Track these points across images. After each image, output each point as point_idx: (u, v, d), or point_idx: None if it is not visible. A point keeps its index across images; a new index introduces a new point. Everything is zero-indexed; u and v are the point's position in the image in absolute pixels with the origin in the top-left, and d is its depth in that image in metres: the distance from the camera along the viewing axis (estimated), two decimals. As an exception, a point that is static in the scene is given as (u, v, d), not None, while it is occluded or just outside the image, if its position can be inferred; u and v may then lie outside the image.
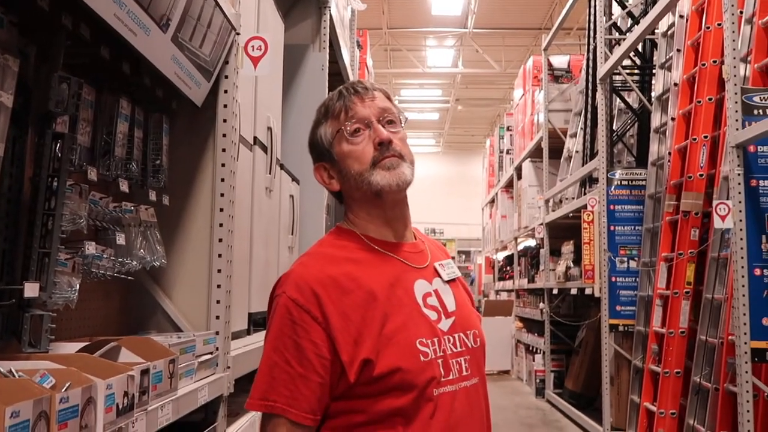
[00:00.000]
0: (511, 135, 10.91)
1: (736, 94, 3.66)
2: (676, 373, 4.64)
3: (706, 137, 4.61)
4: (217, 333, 2.01)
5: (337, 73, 4.73)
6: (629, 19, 5.99)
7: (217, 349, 1.97)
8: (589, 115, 6.39)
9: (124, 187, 1.76)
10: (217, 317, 2.05)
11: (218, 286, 2.07)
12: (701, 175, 4.61)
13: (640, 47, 5.93)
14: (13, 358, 1.32)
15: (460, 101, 18.34)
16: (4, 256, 1.40)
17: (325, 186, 1.34)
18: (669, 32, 5.41)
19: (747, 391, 3.48)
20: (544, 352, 8.13)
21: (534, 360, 8.48)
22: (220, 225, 2.09)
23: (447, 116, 19.74)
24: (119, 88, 1.78)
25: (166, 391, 1.51)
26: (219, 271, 2.07)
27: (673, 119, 5.06)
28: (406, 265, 1.28)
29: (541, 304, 8.28)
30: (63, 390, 1.07)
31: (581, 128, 6.76)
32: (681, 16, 5.15)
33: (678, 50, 5.14)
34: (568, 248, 7.18)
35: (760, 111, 3.67)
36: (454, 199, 20.89)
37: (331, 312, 1.17)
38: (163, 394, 1.48)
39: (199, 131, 2.15)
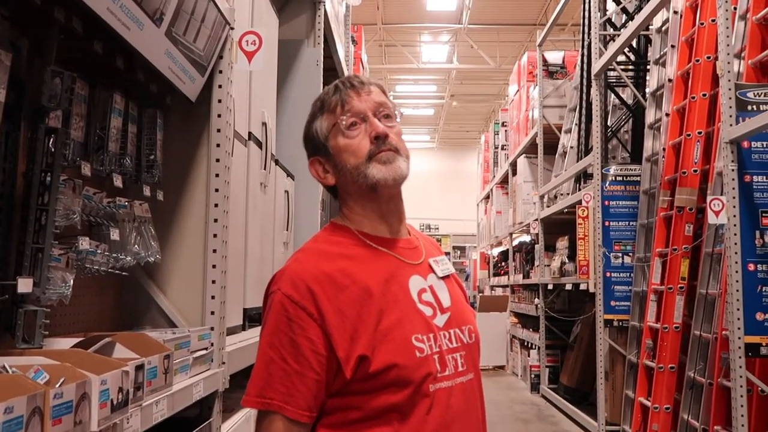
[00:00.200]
0: (505, 131, 10.92)
1: (730, 90, 3.67)
2: (671, 368, 4.66)
3: (700, 133, 4.62)
4: (212, 328, 2.00)
5: (331, 69, 4.72)
6: (623, 15, 6.00)
7: (212, 344, 1.96)
8: (583, 111, 6.39)
9: (118, 182, 1.75)
10: (212, 313, 2.05)
11: (213, 282, 2.06)
12: (695, 171, 4.62)
13: (634, 43, 5.94)
14: (6, 353, 1.31)
15: (454, 97, 18.34)
16: (-3, 251, 1.40)
17: (320, 180, 1.34)
18: (663, 28, 5.42)
19: (741, 386, 3.50)
20: (539, 348, 8.15)
21: (529, 355, 8.51)
22: (215, 220, 2.09)
23: (442, 112, 19.73)
24: (113, 82, 1.77)
25: (161, 386, 1.50)
26: (214, 266, 2.07)
27: (667, 115, 5.08)
28: (401, 261, 1.28)
29: (536, 300, 8.29)
30: (57, 386, 1.06)
31: (576, 124, 6.77)
32: (675, 12, 5.16)
33: (672, 46, 5.15)
34: (562, 244, 7.20)
35: (754, 107, 3.68)
36: (449, 195, 20.90)
37: (327, 308, 1.17)
38: (157, 390, 1.48)
39: (194, 126, 2.14)
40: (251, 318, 2.66)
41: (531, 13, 13.27)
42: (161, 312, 2.08)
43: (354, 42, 5.95)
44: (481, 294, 13.39)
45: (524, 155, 9.07)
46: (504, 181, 10.74)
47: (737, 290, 3.56)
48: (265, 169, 2.80)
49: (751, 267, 3.64)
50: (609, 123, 6.10)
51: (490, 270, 13.03)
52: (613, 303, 5.54)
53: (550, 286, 7.77)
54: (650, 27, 5.62)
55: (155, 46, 1.71)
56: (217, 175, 2.11)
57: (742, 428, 3.48)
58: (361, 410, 1.17)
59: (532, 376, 8.25)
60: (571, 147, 6.92)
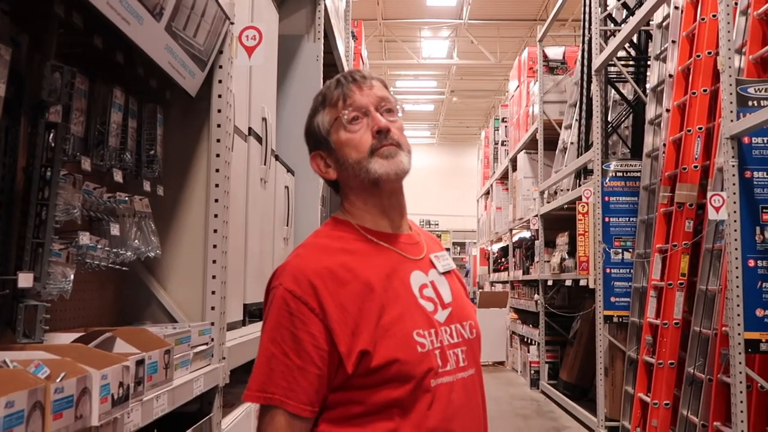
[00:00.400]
0: (506, 126, 10.91)
1: (730, 85, 3.67)
2: (670, 364, 4.66)
3: (700, 129, 4.62)
4: (212, 324, 2.00)
5: (331, 64, 4.71)
6: (624, 10, 5.99)
7: (212, 339, 1.96)
8: (584, 107, 6.39)
9: (118, 177, 1.75)
10: (212, 308, 2.05)
11: (213, 277, 2.06)
12: (696, 167, 4.62)
13: (635, 38, 5.92)
14: (7, 348, 1.31)
15: (455, 92, 18.33)
16: (-2, 246, 1.39)
17: (321, 175, 1.33)
18: (664, 23, 5.41)
19: (740, 382, 3.50)
20: (538, 344, 8.16)
21: (528, 351, 8.52)
22: (215, 215, 2.08)
23: (442, 107, 19.72)
24: (113, 77, 1.77)
25: (162, 381, 1.50)
26: (214, 261, 2.06)
27: (667, 111, 5.07)
28: (402, 257, 1.28)
29: (536, 296, 8.30)
30: (58, 380, 1.06)
31: (576, 120, 6.76)
32: (676, 8, 5.15)
33: (673, 41, 5.14)
34: (562, 240, 7.20)
35: (755, 102, 3.67)
36: (449, 191, 20.90)
37: (329, 303, 1.17)
38: (158, 385, 1.48)
39: (194, 121, 2.14)
40: (251, 313, 2.66)
41: (531, 9, 13.25)
42: (161, 307, 2.08)
43: (354, 37, 5.95)
44: (480, 290, 13.40)
45: (524, 151, 9.06)
46: (504, 177, 10.74)
47: (737, 286, 3.56)
48: (265, 164, 2.80)
49: (752, 263, 3.64)
50: (609, 119, 6.09)
51: (490, 266, 13.04)
52: (613, 299, 5.55)
53: (549, 282, 7.78)
54: (651, 22, 5.61)
55: (155, 40, 1.71)
56: (217, 171, 2.10)
57: (741, 424, 3.48)
58: (363, 405, 1.17)
59: (532, 372, 8.27)
60: (572, 143, 6.91)
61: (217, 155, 2.11)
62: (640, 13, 4.87)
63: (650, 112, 5.45)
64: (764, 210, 3.69)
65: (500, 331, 10.33)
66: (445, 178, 21.41)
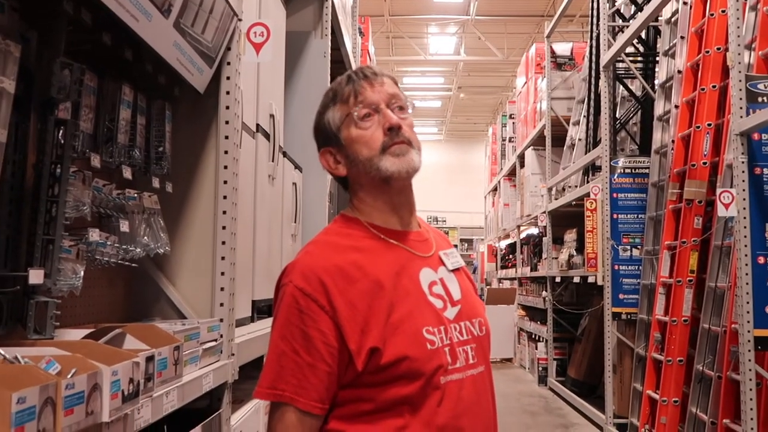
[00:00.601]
0: (513, 123, 10.88)
1: (740, 81, 3.64)
2: (679, 361, 4.65)
3: (709, 125, 4.59)
4: (221, 320, 2.01)
5: (338, 61, 4.71)
6: (632, 5, 5.95)
7: (221, 336, 1.97)
8: (592, 103, 6.36)
9: (127, 174, 1.75)
10: (221, 304, 2.05)
11: (222, 273, 2.06)
12: (705, 163, 4.59)
13: (643, 34, 5.89)
14: (18, 344, 1.32)
15: (462, 89, 18.29)
16: (8, 242, 1.40)
17: (330, 171, 1.33)
18: (673, 19, 5.38)
19: (750, 379, 3.48)
20: (546, 340, 8.15)
21: (537, 348, 8.50)
22: (224, 212, 2.09)
23: (449, 104, 19.69)
24: (121, 74, 1.77)
25: (171, 377, 1.51)
26: (223, 258, 2.07)
27: (676, 107, 5.04)
28: (412, 254, 1.28)
29: (544, 293, 8.28)
30: (69, 376, 1.07)
31: (584, 116, 6.74)
32: (685, 3, 5.11)
33: (682, 37, 5.11)
34: (570, 236, 7.18)
35: (765, 98, 3.65)
36: (456, 188, 20.87)
37: (338, 301, 1.17)
38: (168, 381, 1.48)
39: (202, 118, 2.14)
40: (260, 310, 2.67)
41: (539, 5, 13.20)
42: (171, 303, 2.08)
43: (361, 33, 5.94)
44: (488, 287, 13.39)
45: (532, 147, 9.03)
46: (512, 174, 10.72)
47: (747, 283, 3.54)
48: (273, 161, 2.80)
49: (761, 260, 3.62)
50: (617, 115, 6.06)
51: (498, 263, 13.02)
52: (621, 296, 5.53)
53: (557, 279, 7.76)
54: (659, 18, 5.57)
55: (163, 37, 1.71)
56: (225, 167, 2.11)
57: (750, 421, 3.47)
58: (373, 402, 1.17)
59: (540, 368, 8.25)
60: (580, 139, 6.88)
61: (226, 152, 2.11)
62: (648, 9, 4.84)
63: (659, 108, 5.42)
64: (774, 206, 3.67)
65: (508, 328, 10.32)
66: (452, 174, 21.38)
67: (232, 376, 2.01)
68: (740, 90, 3.63)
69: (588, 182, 6.32)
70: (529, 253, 9.58)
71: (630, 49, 5.92)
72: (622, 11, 6.12)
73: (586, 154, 6.38)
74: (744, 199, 3.60)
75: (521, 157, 9.70)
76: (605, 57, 5.71)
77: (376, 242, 1.26)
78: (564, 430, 6.15)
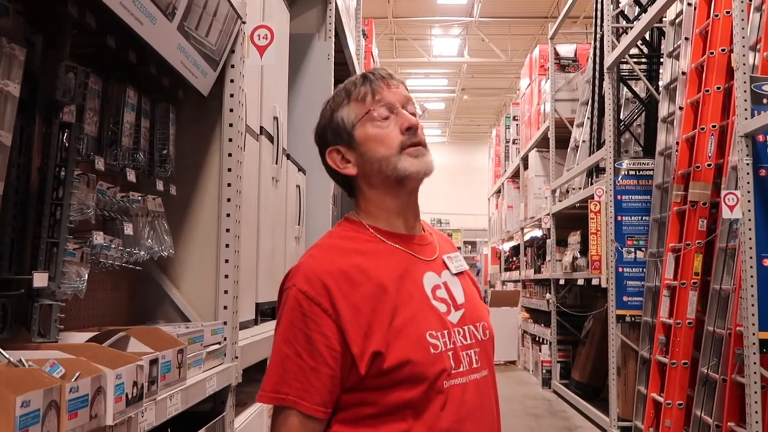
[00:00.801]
0: (517, 125, 10.87)
1: (745, 83, 3.63)
2: (684, 364, 4.63)
3: (714, 127, 4.58)
4: (224, 323, 2.01)
5: (342, 63, 4.71)
6: (636, 7, 5.95)
7: (225, 339, 1.97)
8: (596, 105, 6.35)
9: (131, 176, 1.75)
10: (225, 307, 2.05)
11: (226, 276, 2.06)
12: (709, 165, 4.58)
13: (647, 36, 5.88)
14: (22, 347, 1.32)
15: (465, 91, 18.28)
16: (13, 245, 1.40)
17: (337, 171, 1.30)
18: (677, 20, 5.37)
19: (755, 382, 3.47)
20: (550, 343, 8.13)
21: (540, 350, 8.49)
22: (227, 215, 2.09)
23: (453, 106, 19.68)
24: (126, 77, 1.77)
25: (175, 380, 1.51)
26: (226, 261, 2.07)
27: (681, 108, 5.03)
28: (415, 258, 1.27)
29: (548, 295, 8.27)
30: (73, 380, 1.07)
31: (588, 118, 6.73)
32: (689, 4, 5.10)
33: (686, 39, 5.10)
34: (574, 239, 7.16)
35: (770, 100, 3.64)
36: (460, 190, 20.85)
37: (342, 304, 1.17)
38: (171, 384, 1.48)
39: (206, 121, 2.15)
40: (263, 312, 2.67)
41: (542, 6, 13.20)
42: (174, 306, 2.08)
43: (365, 36, 5.94)
44: (492, 289, 13.37)
45: (536, 149, 9.03)
46: (515, 176, 10.71)
47: (752, 285, 3.53)
48: (276, 163, 2.80)
49: (766, 262, 3.61)
50: (621, 116, 6.05)
51: (502, 265, 13.01)
52: (625, 298, 5.52)
53: (561, 281, 7.74)
54: (663, 19, 5.57)
55: (168, 40, 1.71)
56: (229, 170, 2.11)
57: (756, 425, 3.46)
58: (376, 406, 1.17)
59: (544, 371, 8.23)
60: (583, 141, 6.88)
61: (229, 154, 2.11)
62: (652, 10, 4.83)
63: (663, 109, 5.41)
64: (779, 208, 3.66)
65: (512, 330, 10.31)
66: (456, 176, 21.35)
67: (235, 379, 2.01)
68: (745, 91, 3.63)
69: (592, 184, 6.31)
70: (533, 256, 9.57)
71: (634, 51, 5.91)
72: (626, 12, 6.11)
73: (590, 155, 6.37)
74: (749, 201, 3.59)
75: (525, 159, 9.69)
76: (609, 58, 5.70)
77: (379, 246, 1.26)
78: (568, 433, 6.13)
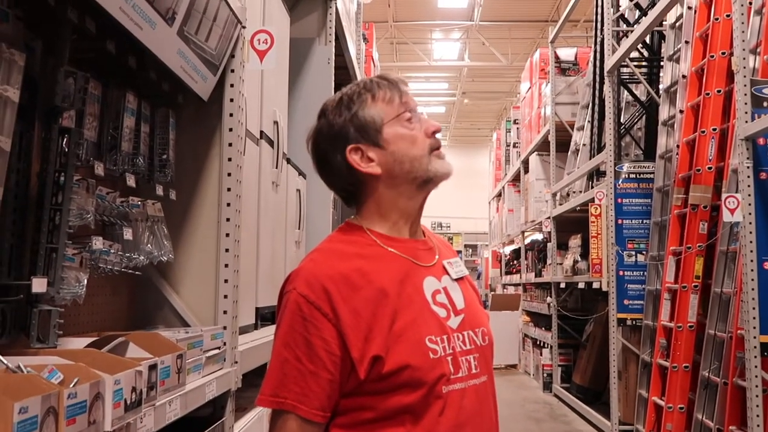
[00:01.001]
0: (517, 128, 10.88)
1: (745, 86, 3.63)
2: (685, 367, 4.62)
3: (714, 130, 4.58)
4: (224, 328, 2.00)
5: (342, 67, 4.71)
6: (637, 10, 5.95)
7: (224, 343, 1.96)
8: (596, 108, 6.35)
9: (130, 181, 1.75)
10: (225, 312, 2.05)
11: (225, 281, 2.06)
12: (710, 168, 4.58)
13: (647, 39, 5.89)
14: (21, 353, 1.32)
15: (466, 94, 18.29)
16: (12, 251, 1.40)
17: (358, 169, 1.27)
18: (677, 24, 5.37)
19: (756, 386, 3.46)
20: (551, 347, 8.12)
21: (541, 354, 8.47)
22: (227, 219, 2.09)
23: (453, 109, 19.69)
24: (125, 82, 1.77)
25: (174, 386, 1.50)
26: (226, 265, 2.07)
27: (681, 112, 5.03)
28: (416, 263, 1.27)
29: (549, 298, 8.26)
30: (71, 386, 1.06)
31: (588, 121, 6.73)
32: (689, 8, 5.11)
33: (686, 42, 5.10)
34: (575, 242, 7.16)
35: (770, 103, 3.64)
36: (460, 193, 20.74)
37: (342, 309, 1.17)
38: (170, 390, 1.48)
39: (206, 125, 2.14)
40: (263, 317, 2.67)
41: (543, 10, 13.21)
42: (174, 311, 2.08)
43: (365, 40, 5.95)
44: (493, 292, 13.36)
45: (536, 153, 9.03)
46: (516, 179, 10.70)
47: (753, 289, 3.53)
48: (276, 167, 2.80)
49: (767, 265, 3.60)
50: (622, 120, 6.05)
51: (502, 268, 13.00)
52: (626, 302, 5.51)
53: (562, 285, 7.74)
54: (664, 23, 5.57)
55: (167, 45, 1.71)
56: (229, 174, 2.11)
57: (757, 428, 3.45)
58: (374, 411, 1.16)
59: (545, 375, 8.22)
60: (584, 144, 6.87)
61: (229, 159, 2.11)
62: (652, 14, 4.84)
63: (663, 113, 5.41)
64: (780, 212, 3.65)
65: (512, 334, 10.29)
66: (456, 180, 20.97)
67: (235, 384, 2.01)
68: (745, 95, 3.63)
69: (592, 187, 6.30)
70: (534, 259, 9.56)
71: (634, 54, 5.91)
72: (626, 16, 6.12)
73: (590, 159, 6.36)
74: (749, 204, 3.59)
75: (525, 163, 9.69)
76: (609, 62, 5.70)
77: (380, 250, 1.26)
78: (569, 437, 6.12)
